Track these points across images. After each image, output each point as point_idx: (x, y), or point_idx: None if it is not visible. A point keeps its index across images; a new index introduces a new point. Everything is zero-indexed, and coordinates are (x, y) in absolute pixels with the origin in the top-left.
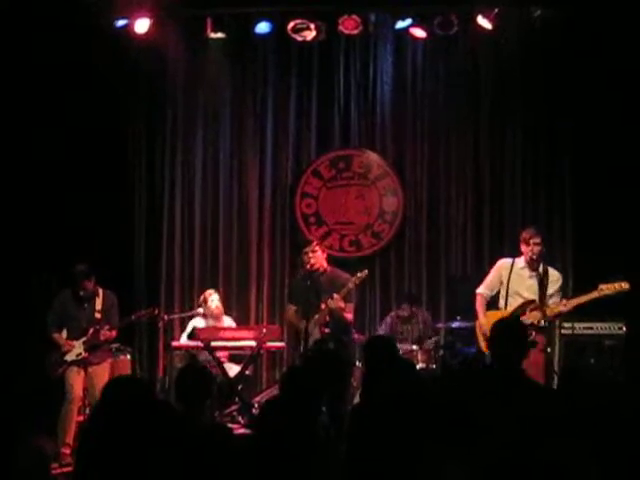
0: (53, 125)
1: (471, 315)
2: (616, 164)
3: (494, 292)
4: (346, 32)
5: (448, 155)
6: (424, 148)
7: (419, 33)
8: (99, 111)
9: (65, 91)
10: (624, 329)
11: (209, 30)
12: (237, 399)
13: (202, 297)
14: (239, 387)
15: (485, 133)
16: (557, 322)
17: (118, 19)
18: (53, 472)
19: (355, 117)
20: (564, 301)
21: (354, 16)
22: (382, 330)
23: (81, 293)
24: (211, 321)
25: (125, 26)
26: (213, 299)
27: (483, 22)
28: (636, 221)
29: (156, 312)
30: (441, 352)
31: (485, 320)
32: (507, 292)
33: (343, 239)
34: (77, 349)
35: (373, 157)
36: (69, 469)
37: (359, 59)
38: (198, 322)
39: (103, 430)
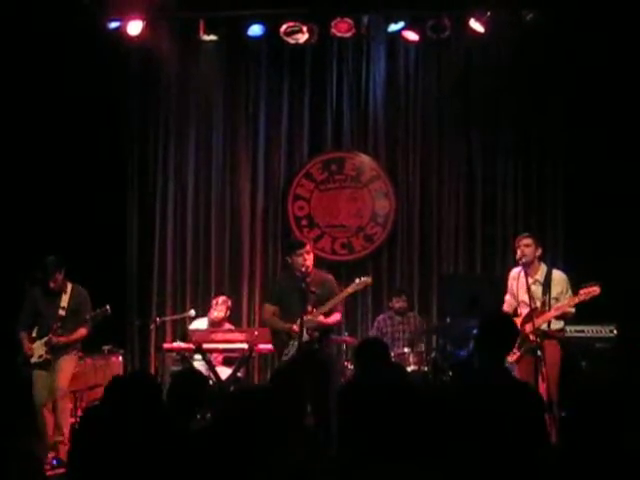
0: (45, 125)
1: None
2: (610, 170)
3: (515, 303)
4: (339, 35)
5: (440, 157)
6: (416, 150)
7: (412, 36)
8: (92, 112)
9: (58, 92)
10: (615, 332)
11: (202, 32)
12: None
13: (213, 301)
14: (231, 389)
15: (477, 135)
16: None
17: (111, 21)
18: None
19: (347, 120)
20: (555, 306)
21: (347, 19)
22: (373, 331)
23: (51, 285)
24: (209, 326)
25: (118, 28)
26: (221, 308)
27: (475, 25)
28: (627, 232)
29: (109, 311)
30: (433, 354)
31: None
32: (518, 302)
33: (335, 242)
34: (39, 350)
35: (365, 160)
36: (51, 472)
37: (352, 62)
38: (200, 324)
39: (101, 427)
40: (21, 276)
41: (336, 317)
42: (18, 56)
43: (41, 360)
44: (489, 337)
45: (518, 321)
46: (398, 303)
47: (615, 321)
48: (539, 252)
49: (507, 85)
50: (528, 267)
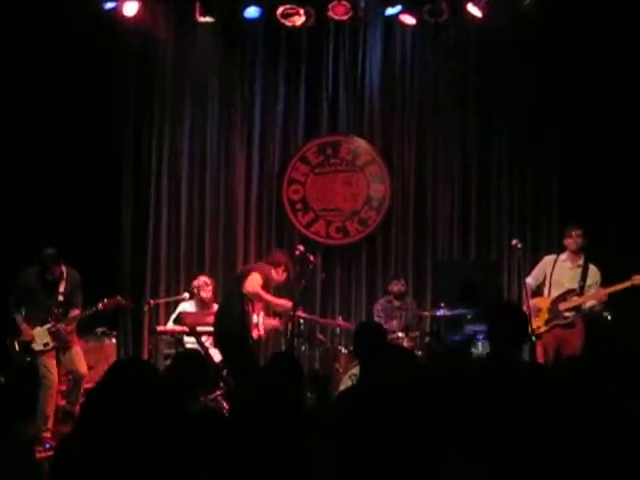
0: (38, 108)
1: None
2: (607, 158)
3: (539, 282)
4: (335, 18)
5: (436, 142)
6: (412, 135)
7: (409, 20)
8: (86, 94)
9: (53, 74)
10: (609, 319)
11: (198, 14)
12: (222, 384)
13: (197, 282)
14: (224, 372)
15: (473, 120)
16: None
17: (107, 1)
18: (37, 456)
19: (343, 103)
20: (601, 290)
21: (344, 2)
22: (377, 313)
23: (48, 277)
24: (199, 307)
25: (114, 9)
26: (209, 289)
27: (473, 10)
28: (624, 220)
29: (123, 302)
30: (427, 339)
31: (534, 302)
32: (550, 282)
33: (330, 225)
34: (43, 338)
35: (361, 143)
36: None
37: (348, 45)
38: (187, 307)
39: (102, 410)
40: (14, 259)
41: None
42: (12, 38)
43: (49, 348)
44: (499, 324)
45: (547, 300)
46: (396, 286)
47: (609, 309)
48: (584, 242)
49: (504, 70)
50: (574, 254)
